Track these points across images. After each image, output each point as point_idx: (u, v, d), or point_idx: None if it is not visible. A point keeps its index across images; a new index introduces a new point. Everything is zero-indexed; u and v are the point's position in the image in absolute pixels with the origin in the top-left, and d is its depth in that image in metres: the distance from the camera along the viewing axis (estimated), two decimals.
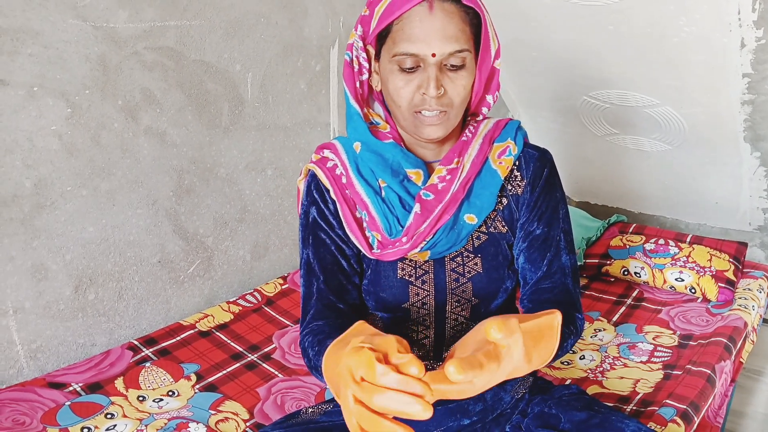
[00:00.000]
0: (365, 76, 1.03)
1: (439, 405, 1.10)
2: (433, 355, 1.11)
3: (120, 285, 1.63)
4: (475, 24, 0.97)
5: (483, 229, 1.07)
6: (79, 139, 1.49)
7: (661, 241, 2.06)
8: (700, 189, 2.35)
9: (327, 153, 1.09)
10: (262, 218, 1.96)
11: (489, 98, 1.07)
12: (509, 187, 1.08)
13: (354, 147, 1.05)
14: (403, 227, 1.02)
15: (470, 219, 1.03)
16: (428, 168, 1.06)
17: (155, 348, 1.60)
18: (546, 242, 1.07)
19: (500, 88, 1.08)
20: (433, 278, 1.07)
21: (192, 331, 1.67)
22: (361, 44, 1.01)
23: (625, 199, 2.63)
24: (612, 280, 2.06)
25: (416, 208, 1.01)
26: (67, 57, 1.43)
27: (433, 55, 0.93)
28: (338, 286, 1.07)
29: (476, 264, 1.06)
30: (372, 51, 1.02)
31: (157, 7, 1.56)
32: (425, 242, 1.01)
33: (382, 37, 0.97)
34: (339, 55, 2.04)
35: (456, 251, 1.06)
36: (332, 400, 1.18)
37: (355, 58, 1.02)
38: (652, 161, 2.35)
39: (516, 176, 1.08)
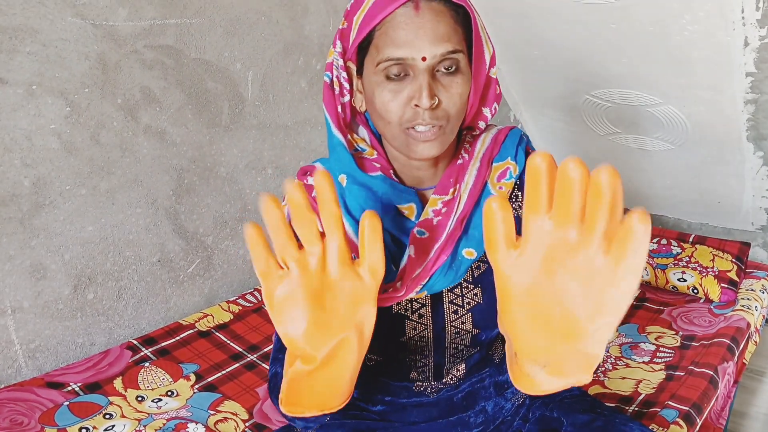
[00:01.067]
0: (347, 98, 0.93)
1: (440, 418, 1.08)
2: (434, 377, 1.06)
3: (119, 284, 1.62)
4: (466, 26, 0.87)
5: (483, 257, 0.97)
6: (78, 137, 1.48)
7: (664, 241, 2.05)
8: (703, 188, 2.34)
9: (311, 180, 0.96)
10: (262, 218, 1.95)
11: (486, 111, 0.97)
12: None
13: (339, 180, 0.93)
14: (396, 269, 0.92)
15: (469, 254, 0.94)
16: (421, 197, 0.97)
17: (154, 348, 1.59)
18: None
19: (500, 100, 0.96)
20: (431, 312, 0.98)
21: (191, 331, 1.67)
22: (341, 62, 0.91)
23: (627, 199, 2.60)
24: None
25: (410, 250, 0.91)
26: (66, 55, 1.43)
27: (424, 59, 0.82)
28: None
29: (476, 295, 0.98)
30: (353, 67, 0.91)
31: (156, 5, 1.55)
32: (420, 286, 0.91)
33: (364, 47, 0.87)
34: None
35: (455, 284, 0.98)
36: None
37: (335, 79, 0.91)
38: (654, 160, 2.34)
39: (517, 196, 0.98)
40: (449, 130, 0.88)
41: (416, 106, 0.84)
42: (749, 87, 1.76)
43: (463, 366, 1.06)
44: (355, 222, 0.90)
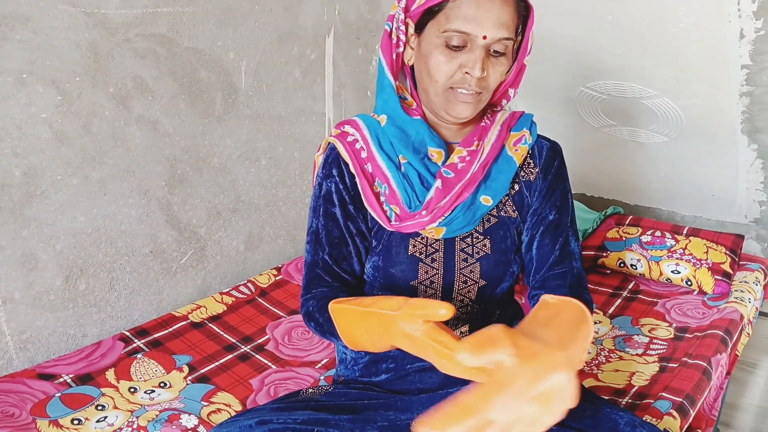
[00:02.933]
0: (401, 49, 1.05)
1: (441, 386, 1.12)
2: None
3: (111, 275, 1.61)
4: (522, 17, 1.02)
5: (494, 212, 1.10)
6: (69, 127, 1.46)
7: (658, 233, 2.05)
8: (697, 181, 2.34)
9: (348, 128, 1.12)
10: (256, 208, 1.94)
11: (511, 91, 1.11)
12: (522, 174, 1.12)
13: (379, 120, 1.08)
14: (421, 202, 1.05)
15: (486, 200, 1.07)
16: (448, 149, 1.10)
17: (147, 339, 1.58)
18: (558, 228, 1.11)
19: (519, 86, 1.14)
20: (443, 257, 1.09)
21: (184, 323, 1.66)
22: (402, 17, 1.03)
23: (622, 191, 2.62)
24: (608, 272, 2.05)
25: (437, 183, 1.05)
26: (58, 43, 1.41)
27: (484, 37, 0.96)
28: (343, 259, 1.12)
29: (485, 245, 1.10)
30: (411, 24, 1.03)
31: None
32: (443, 218, 1.04)
33: (433, 12, 0.99)
34: (335, 43, 2.02)
35: (467, 232, 1.09)
36: (331, 384, 1.18)
37: (394, 30, 1.04)
38: (648, 153, 2.34)
39: (529, 163, 1.13)
40: (484, 98, 1.03)
41: (466, 73, 0.98)
42: (744, 79, 1.76)
43: (467, 328, 1.13)
44: (389, 159, 1.06)
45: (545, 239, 1.11)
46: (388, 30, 1.04)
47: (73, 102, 1.46)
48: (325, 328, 1.04)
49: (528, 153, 1.12)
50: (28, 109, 1.39)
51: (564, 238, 1.11)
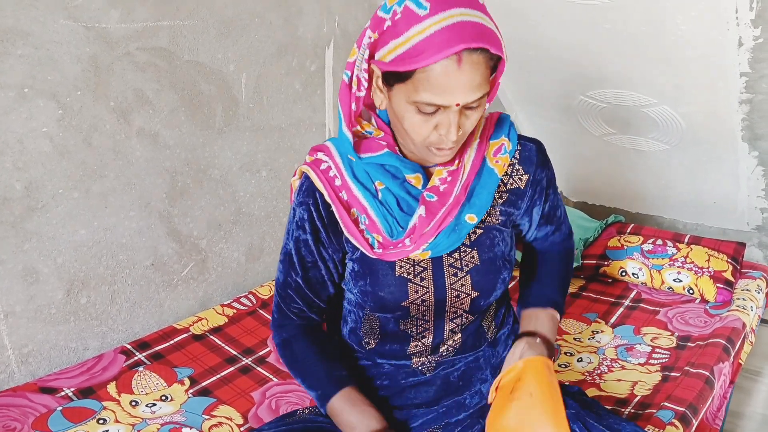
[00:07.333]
0: (362, 93, 0.99)
1: (438, 398, 1.14)
2: (431, 349, 1.13)
3: (112, 288, 1.61)
4: (494, 64, 0.94)
5: (478, 224, 1.09)
6: (70, 140, 1.47)
7: (659, 242, 2.05)
8: (698, 189, 2.34)
9: (320, 155, 1.08)
10: (256, 220, 1.94)
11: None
12: (510, 182, 1.11)
13: (348, 157, 1.04)
14: (403, 228, 1.03)
15: (470, 219, 1.05)
16: (425, 171, 1.07)
17: (148, 352, 1.58)
18: (552, 212, 1.20)
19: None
20: (432, 275, 1.08)
21: (186, 335, 1.66)
22: (365, 66, 0.96)
23: (623, 199, 2.63)
24: (609, 281, 2.05)
25: (421, 210, 1.02)
26: (58, 58, 1.42)
27: (457, 105, 0.91)
28: (316, 283, 1.12)
29: (473, 257, 1.08)
30: (378, 71, 0.95)
31: (149, 7, 1.54)
32: (427, 244, 1.03)
33: (402, 77, 0.91)
34: (334, 54, 2.03)
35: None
36: None
37: (355, 78, 0.97)
38: (649, 161, 2.34)
39: (518, 170, 1.11)
40: (461, 140, 0.99)
41: (442, 135, 0.94)
42: (744, 87, 1.76)
43: (459, 336, 1.13)
44: (364, 188, 1.03)
45: (543, 227, 1.21)
46: (347, 80, 0.98)
47: (74, 116, 1.46)
48: (297, 372, 1.13)
49: (512, 160, 1.10)
50: (29, 123, 1.39)
51: (558, 220, 1.22)
